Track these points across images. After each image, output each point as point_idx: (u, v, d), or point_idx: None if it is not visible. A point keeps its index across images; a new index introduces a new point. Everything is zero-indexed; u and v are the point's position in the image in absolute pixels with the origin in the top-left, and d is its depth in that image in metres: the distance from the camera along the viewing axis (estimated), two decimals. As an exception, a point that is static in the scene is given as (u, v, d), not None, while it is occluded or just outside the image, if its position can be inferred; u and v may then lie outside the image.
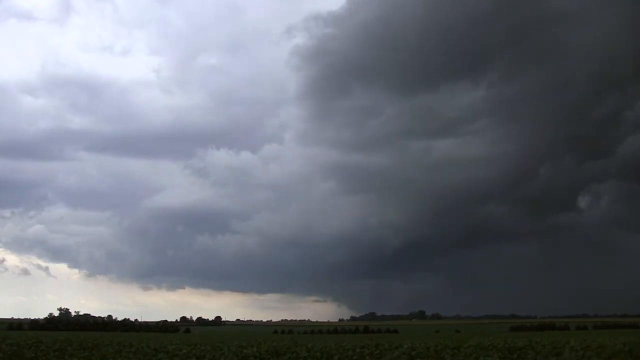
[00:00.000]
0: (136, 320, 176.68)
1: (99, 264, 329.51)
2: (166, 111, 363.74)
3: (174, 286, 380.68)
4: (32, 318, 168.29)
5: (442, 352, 20.98)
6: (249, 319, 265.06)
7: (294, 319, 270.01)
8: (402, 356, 19.59)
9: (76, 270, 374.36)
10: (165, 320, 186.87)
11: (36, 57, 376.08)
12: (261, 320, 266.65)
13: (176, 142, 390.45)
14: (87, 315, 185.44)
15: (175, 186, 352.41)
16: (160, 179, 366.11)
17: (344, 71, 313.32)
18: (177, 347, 26.15)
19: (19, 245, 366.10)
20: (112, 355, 21.48)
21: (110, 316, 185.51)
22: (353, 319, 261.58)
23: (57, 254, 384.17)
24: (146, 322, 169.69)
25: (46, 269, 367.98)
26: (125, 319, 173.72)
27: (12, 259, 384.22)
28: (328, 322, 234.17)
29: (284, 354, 20.93)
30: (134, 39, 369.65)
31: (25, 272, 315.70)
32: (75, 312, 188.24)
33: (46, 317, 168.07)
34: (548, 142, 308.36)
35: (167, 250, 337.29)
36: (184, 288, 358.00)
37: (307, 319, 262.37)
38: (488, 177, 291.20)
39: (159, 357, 21.19)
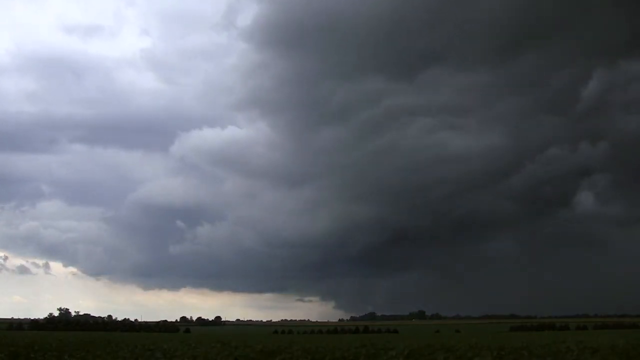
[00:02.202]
0: (136, 320, 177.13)
1: (96, 262, 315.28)
2: (156, 95, 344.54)
3: (174, 286, 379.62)
4: (32, 318, 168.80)
5: (437, 352, 21.03)
6: (249, 319, 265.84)
7: (294, 318, 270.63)
8: (397, 356, 19.62)
9: (71, 269, 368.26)
10: (165, 320, 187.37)
11: (13, 37, 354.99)
12: (261, 320, 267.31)
13: (168, 128, 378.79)
14: (87, 315, 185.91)
15: (164, 178, 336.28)
16: (153, 170, 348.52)
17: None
18: (172, 346, 26.20)
19: (12, 243, 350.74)
20: (110, 356, 21.55)
21: (110, 316, 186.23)
22: (353, 319, 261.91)
23: (51, 251, 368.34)
24: (146, 322, 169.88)
25: (40, 267, 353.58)
26: (125, 319, 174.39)
27: (5, 257, 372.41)
28: (328, 322, 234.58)
29: (279, 354, 20.99)
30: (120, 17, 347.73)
31: (21, 270, 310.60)
32: (75, 312, 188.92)
33: (46, 317, 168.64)
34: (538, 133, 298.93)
35: (166, 248, 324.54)
36: (185, 287, 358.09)
37: (307, 319, 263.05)
38: (483, 171, 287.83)
39: (156, 357, 21.25)
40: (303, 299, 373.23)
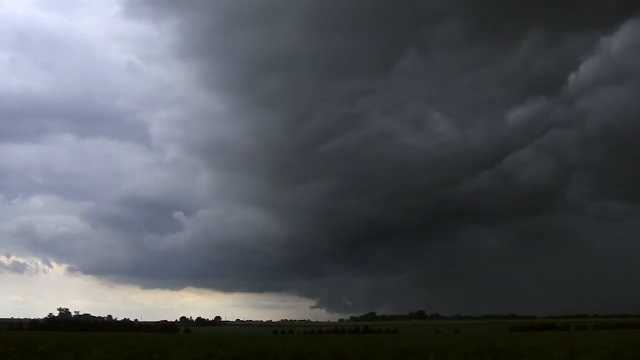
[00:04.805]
0: (136, 320, 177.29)
1: (93, 262, 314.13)
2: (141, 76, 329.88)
3: (174, 286, 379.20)
4: (32, 318, 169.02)
5: (431, 352, 21.11)
6: (249, 319, 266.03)
7: (293, 319, 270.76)
8: (390, 357, 19.71)
9: (65, 265, 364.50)
10: (165, 320, 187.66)
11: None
12: (261, 320, 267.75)
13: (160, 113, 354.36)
14: (87, 315, 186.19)
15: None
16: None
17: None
18: (162, 346, 26.25)
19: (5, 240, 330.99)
20: (108, 356, 21.64)
21: (110, 316, 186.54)
22: (353, 319, 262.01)
23: (47, 249, 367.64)
24: (146, 322, 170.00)
25: (38, 265, 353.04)
26: (125, 319, 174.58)
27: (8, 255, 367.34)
28: (328, 322, 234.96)
29: (274, 355, 21.07)
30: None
31: (16, 269, 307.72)
32: (75, 312, 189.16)
33: (46, 317, 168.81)
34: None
35: (165, 245, 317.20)
36: (185, 287, 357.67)
37: (307, 319, 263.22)
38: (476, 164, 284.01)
39: (152, 357, 21.33)
40: (289, 299, 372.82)
